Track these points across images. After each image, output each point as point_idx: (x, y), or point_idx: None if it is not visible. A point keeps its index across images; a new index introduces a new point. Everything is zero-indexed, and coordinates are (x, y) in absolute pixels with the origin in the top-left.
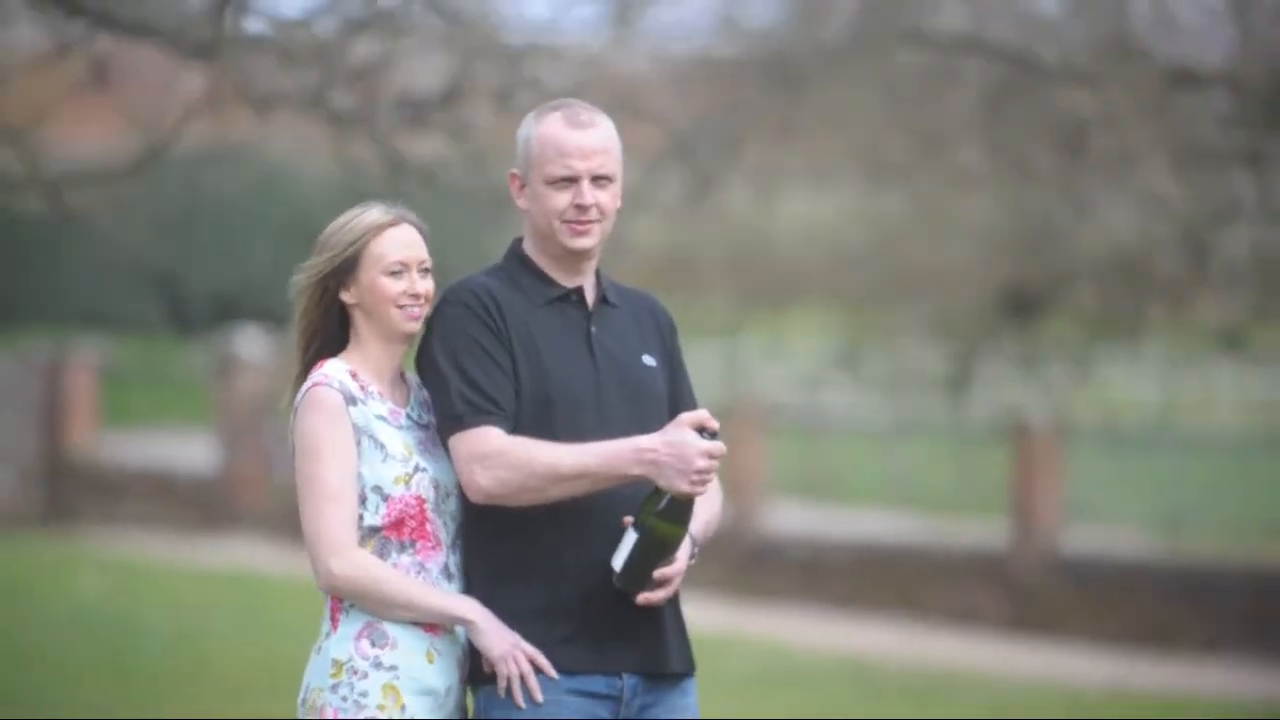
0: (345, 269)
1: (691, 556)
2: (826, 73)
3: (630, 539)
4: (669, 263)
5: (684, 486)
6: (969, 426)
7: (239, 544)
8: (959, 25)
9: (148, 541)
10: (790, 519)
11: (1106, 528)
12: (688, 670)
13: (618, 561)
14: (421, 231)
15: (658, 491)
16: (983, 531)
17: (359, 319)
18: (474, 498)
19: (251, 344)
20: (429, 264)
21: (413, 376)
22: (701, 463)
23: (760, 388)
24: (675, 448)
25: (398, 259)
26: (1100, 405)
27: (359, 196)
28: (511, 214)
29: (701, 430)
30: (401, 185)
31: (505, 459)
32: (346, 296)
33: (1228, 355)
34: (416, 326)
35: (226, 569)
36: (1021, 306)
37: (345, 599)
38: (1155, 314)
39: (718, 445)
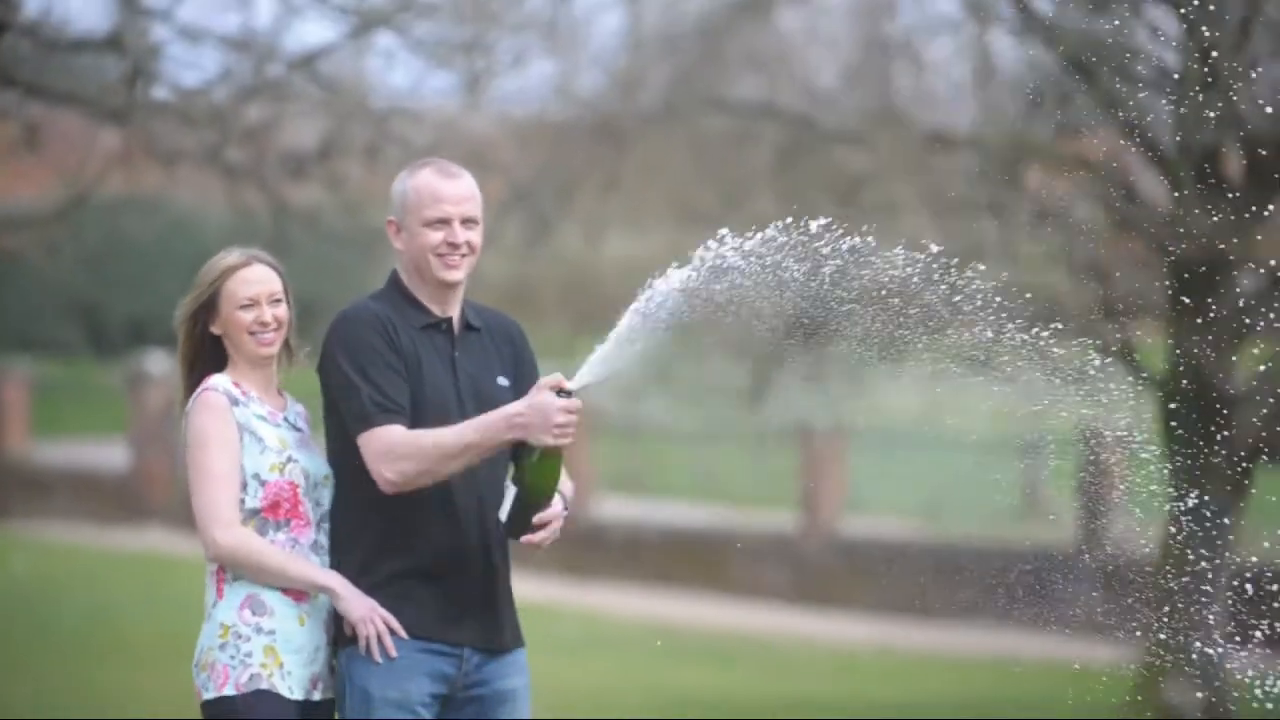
0: (209, 306)
1: (565, 508)
2: (644, 133)
3: (511, 493)
4: (512, 294)
5: (549, 439)
6: (764, 431)
7: (150, 533)
8: (754, 94)
9: (72, 531)
10: (612, 508)
11: (878, 515)
12: (517, 644)
13: (503, 513)
14: (274, 267)
15: (529, 448)
16: (775, 519)
17: (228, 346)
18: (385, 489)
19: (159, 363)
20: (279, 295)
21: (288, 393)
22: (561, 417)
23: (588, 398)
24: (537, 408)
25: (247, 295)
26: (873, 413)
27: (250, 238)
28: (380, 252)
29: (559, 392)
30: (286, 229)
31: (404, 450)
32: (214, 329)
33: (975, 372)
34: (270, 351)
35: (139, 554)
36: (807, 332)
37: (228, 568)
38: (917, 337)
39: (574, 402)
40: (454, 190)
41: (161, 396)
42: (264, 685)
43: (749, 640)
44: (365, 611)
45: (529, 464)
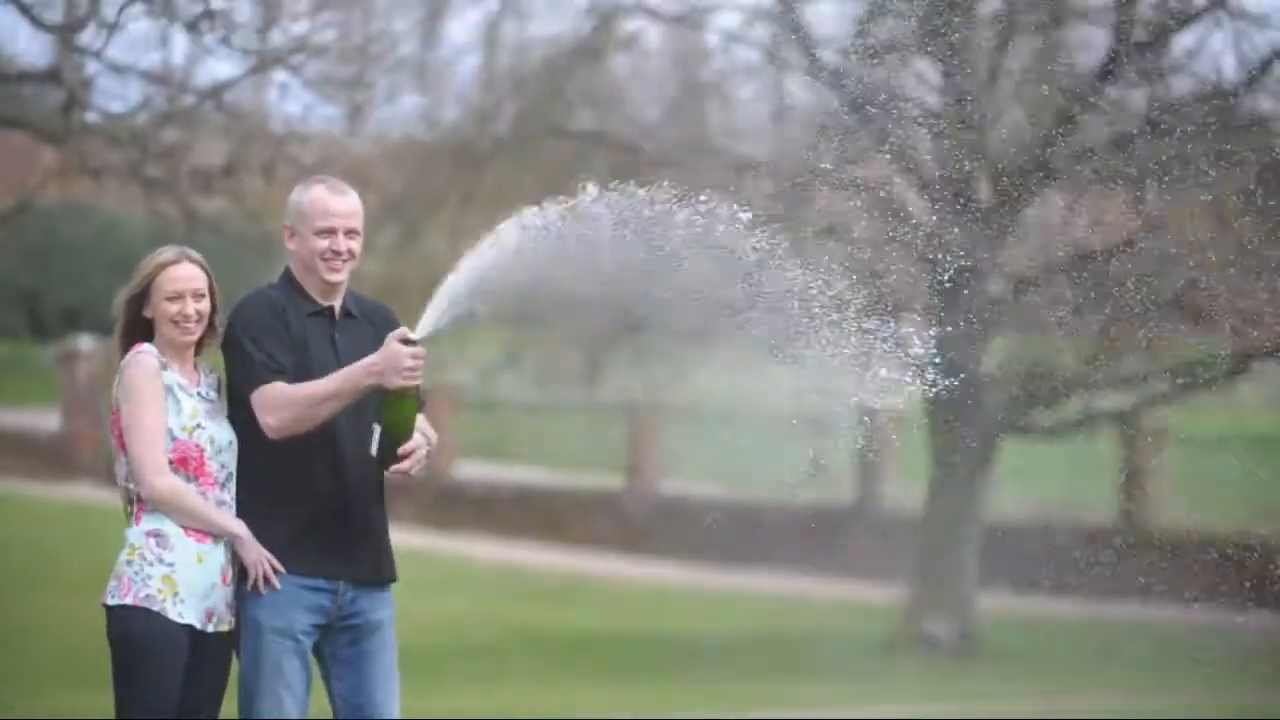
0: (143, 295)
1: (429, 445)
2: (496, 157)
3: (377, 431)
4: (385, 291)
5: (400, 381)
6: (599, 406)
7: (78, 487)
8: (589, 125)
9: (10, 486)
10: (471, 471)
11: (691, 479)
12: (388, 578)
13: (373, 449)
14: (202, 266)
15: (387, 391)
16: (606, 480)
17: (157, 328)
18: (270, 435)
19: (88, 344)
20: (204, 290)
21: (204, 365)
22: (408, 361)
23: (452, 377)
24: (388, 356)
25: (175, 289)
26: (689, 393)
27: (167, 241)
28: (276, 254)
29: (405, 341)
30: (196, 234)
31: (283, 400)
32: (146, 313)
33: (772, 359)
34: (189, 339)
35: (69, 504)
36: (634, 325)
37: (159, 508)
38: (722, 329)
39: (418, 349)
40: (341, 205)
41: (88, 371)
42: (155, 607)
43: (583, 582)
44: (255, 556)
45: (387, 404)
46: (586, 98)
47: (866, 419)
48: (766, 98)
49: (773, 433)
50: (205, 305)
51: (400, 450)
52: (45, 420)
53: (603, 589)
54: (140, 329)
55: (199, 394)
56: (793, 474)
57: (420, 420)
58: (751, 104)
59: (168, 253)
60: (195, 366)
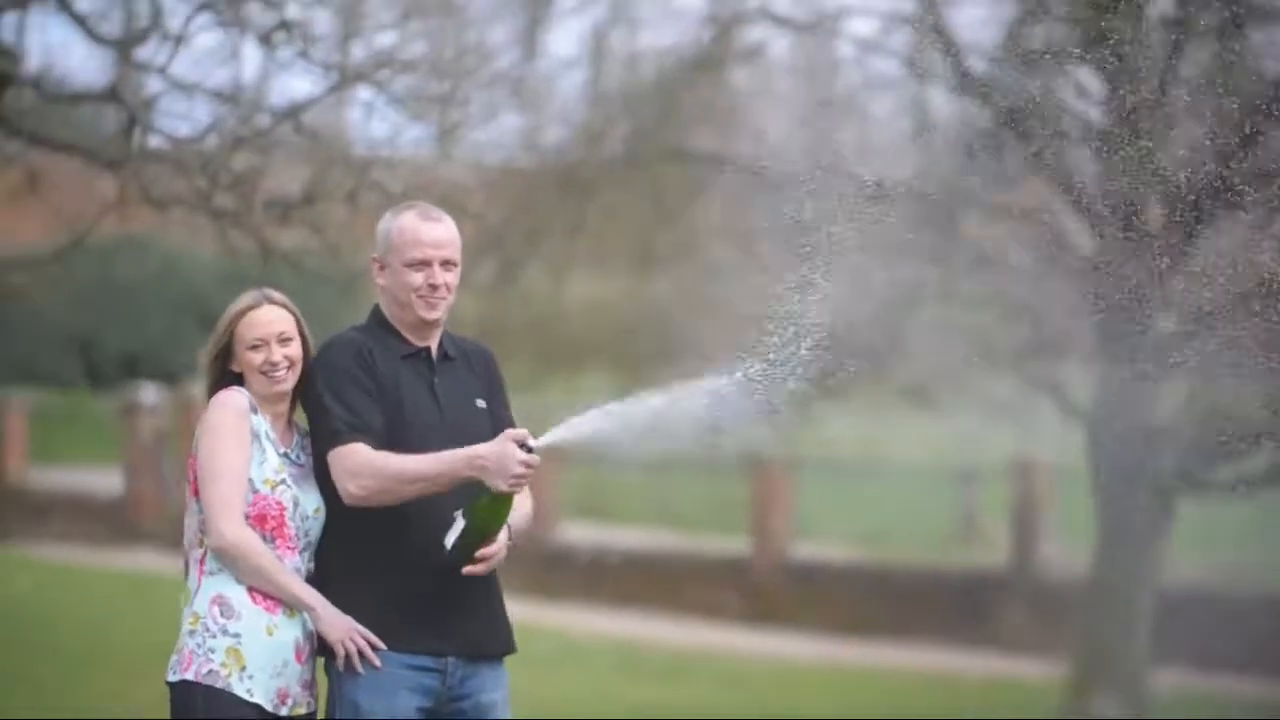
0: (228, 348)
1: (510, 541)
2: (605, 182)
3: (459, 524)
4: (482, 331)
5: (503, 486)
6: (718, 459)
7: (141, 553)
8: (708, 144)
9: (67, 553)
10: (578, 532)
11: (824, 539)
12: (505, 651)
13: (449, 540)
14: (286, 306)
15: (484, 489)
16: (728, 543)
17: (246, 382)
18: (347, 501)
19: (150, 395)
20: (289, 334)
21: (299, 426)
22: (518, 469)
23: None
24: (499, 456)
25: (256, 336)
26: (821, 444)
27: (238, 278)
28: (359, 291)
29: (521, 445)
30: (271, 270)
31: (369, 469)
32: (234, 367)
33: (915, 405)
34: (283, 388)
35: (130, 574)
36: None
37: (224, 561)
38: (862, 373)
39: (533, 457)
40: (435, 234)
41: (152, 426)
42: (220, 684)
43: (702, 656)
44: (343, 632)
45: (480, 503)
46: (705, 115)
47: (1022, 472)
48: (906, 113)
49: (916, 488)
50: (295, 349)
51: (478, 554)
52: (104, 480)
53: (726, 664)
54: (230, 383)
55: (287, 455)
56: (938, 534)
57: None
58: (889, 120)
59: (246, 298)
60: (290, 424)
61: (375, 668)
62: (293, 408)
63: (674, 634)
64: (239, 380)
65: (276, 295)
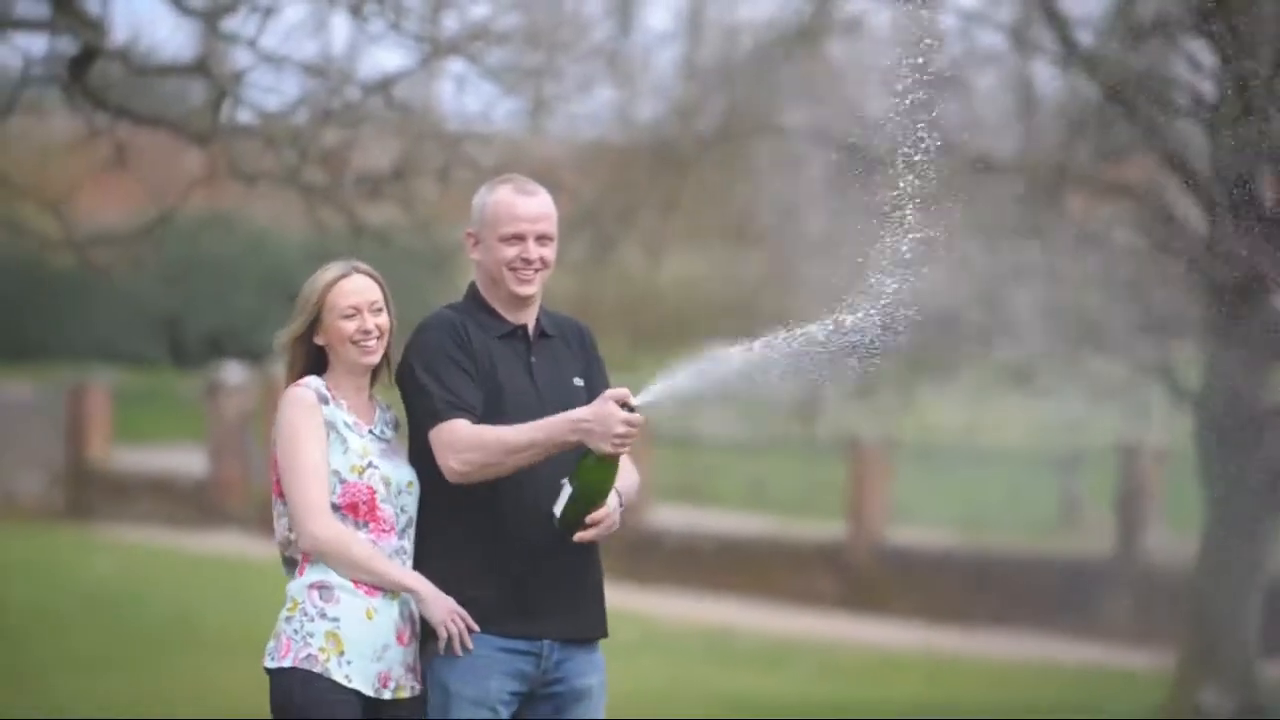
0: (313, 323)
1: (620, 506)
2: (701, 158)
3: (566, 491)
4: (576, 309)
5: (607, 448)
6: (814, 442)
7: (226, 536)
8: (806, 120)
9: (151, 534)
10: (668, 516)
11: (922, 525)
12: (599, 635)
13: (557, 508)
14: (373, 277)
15: (588, 452)
16: (823, 528)
17: (330, 356)
18: (451, 479)
19: (235, 374)
20: (380, 304)
21: (380, 401)
22: (621, 429)
23: (649, 414)
24: (600, 417)
25: (349, 304)
26: (920, 427)
27: (327, 255)
28: (451, 269)
29: (622, 405)
30: (361, 246)
31: (470, 442)
32: (318, 340)
33: (1018, 388)
34: (373, 359)
35: (215, 556)
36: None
37: (320, 557)
38: (962, 354)
39: (635, 415)
40: (530, 208)
41: (237, 406)
42: (318, 668)
43: (797, 644)
44: (445, 613)
45: (586, 466)
46: (803, 90)
47: (1128, 457)
48: (1011, 87)
49: (1018, 473)
50: (385, 319)
51: (588, 519)
52: (189, 461)
53: (821, 652)
54: (312, 363)
55: (371, 432)
56: (1039, 520)
57: (623, 462)
58: (994, 95)
59: (334, 268)
60: (370, 398)
61: (469, 651)
62: (373, 383)
63: (766, 621)
64: (320, 359)
65: (363, 265)
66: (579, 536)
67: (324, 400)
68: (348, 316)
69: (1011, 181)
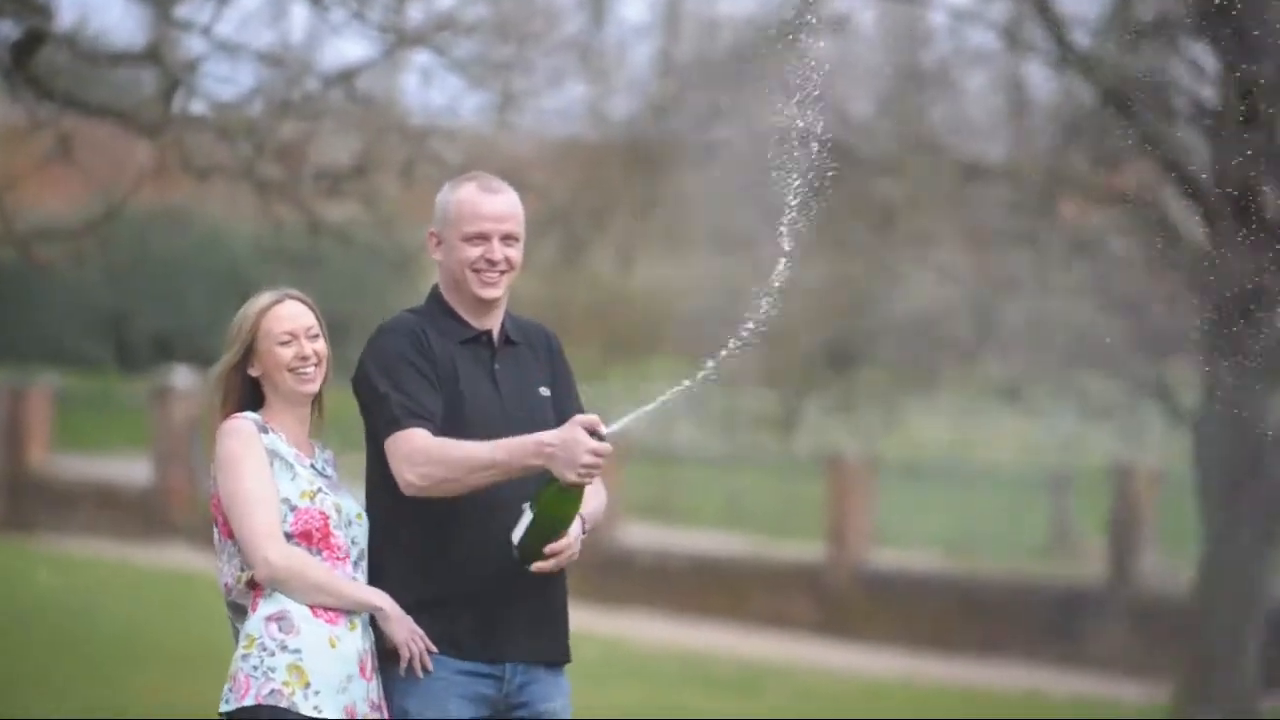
0: (247, 354)
1: (583, 533)
2: (677, 158)
3: (527, 518)
4: (544, 315)
5: (572, 477)
6: (793, 459)
7: (172, 549)
8: (790, 120)
9: (94, 546)
10: (640, 534)
11: (906, 548)
12: (563, 659)
13: (516, 535)
14: (306, 303)
15: (552, 480)
16: (801, 549)
17: (267, 389)
18: (407, 492)
19: (184, 378)
20: (316, 329)
21: (318, 443)
22: (588, 458)
23: (618, 442)
24: (567, 444)
25: (285, 330)
26: (903, 443)
27: (282, 254)
28: (415, 272)
29: (591, 432)
30: (319, 245)
31: (429, 455)
32: (252, 371)
33: (1006, 404)
34: (313, 387)
35: (161, 569)
36: (839, 359)
37: (279, 587)
38: (948, 368)
39: (604, 445)
40: (495, 206)
41: (185, 412)
42: (284, 703)
43: (773, 670)
44: (408, 634)
45: (548, 495)
46: (786, 89)
47: (1122, 478)
48: (1003, 88)
49: (1008, 493)
50: (321, 346)
51: (547, 549)
52: (134, 469)
53: (798, 679)
54: (247, 398)
55: (313, 467)
56: (1028, 544)
57: (591, 486)
58: (985, 96)
59: (266, 296)
60: (308, 438)
61: (429, 672)
62: (313, 413)
63: (741, 646)
64: (254, 393)
65: (295, 292)
66: (536, 567)
67: (263, 430)
68: (284, 343)
69: (1002, 187)
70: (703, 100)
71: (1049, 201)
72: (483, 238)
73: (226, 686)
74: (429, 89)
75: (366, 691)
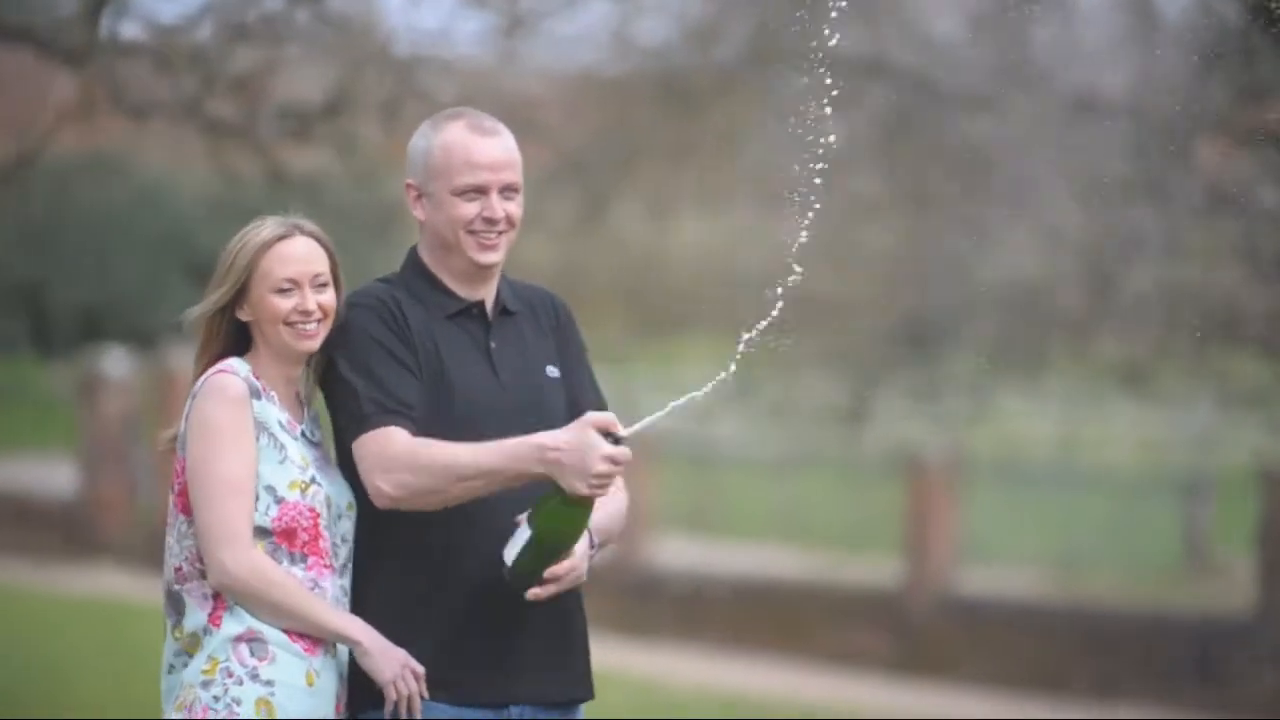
0: (240, 293)
1: (593, 550)
2: (721, 94)
3: (523, 535)
4: (559, 285)
5: (582, 489)
6: (862, 460)
7: (101, 572)
8: (857, 48)
9: (6, 570)
10: (675, 552)
11: (1002, 567)
12: (582, 697)
13: (509, 555)
14: (321, 242)
15: (557, 490)
16: (873, 569)
17: (256, 337)
18: (379, 504)
19: (118, 364)
20: (326, 277)
21: (304, 395)
22: (602, 467)
23: (636, 445)
24: (577, 449)
25: (287, 275)
26: (998, 440)
27: (238, 212)
28: (399, 232)
29: (606, 434)
30: (283, 200)
31: (406, 460)
32: (241, 315)
33: (1128, 392)
34: (312, 345)
35: (87, 597)
36: (919, 338)
37: (233, 597)
38: (1055, 348)
39: (622, 450)
40: (492, 153)
41: (120, 406)
42: None
43: (841, 713)
44: (396, 670)
45: (550, 508)
46: (853, 10)
47: (1271, 484)
48: (1125, 6)
49: (1128, 501)
50: (330, 298)
51: (547, 573)
52: (55, 476)
53: None
54: (232, 342)
55: (304, 434)
56: (1154, 563)
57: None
58: (1102, 15)
59: (273, 226)
60: (299, 395)
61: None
62: (306, 370)
63: (801, 687)
64: (243, 336)
65: (309, 226)
66: (533, 594)
67: (255, 394)
68: (283, 291)
69: (1122, 126)
70: (750, 22)
71: (1182, 145)
72: (479, 191)
73: (181, 712)
74: (417, 8)
75: None
